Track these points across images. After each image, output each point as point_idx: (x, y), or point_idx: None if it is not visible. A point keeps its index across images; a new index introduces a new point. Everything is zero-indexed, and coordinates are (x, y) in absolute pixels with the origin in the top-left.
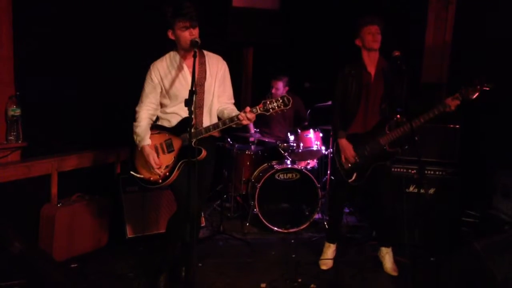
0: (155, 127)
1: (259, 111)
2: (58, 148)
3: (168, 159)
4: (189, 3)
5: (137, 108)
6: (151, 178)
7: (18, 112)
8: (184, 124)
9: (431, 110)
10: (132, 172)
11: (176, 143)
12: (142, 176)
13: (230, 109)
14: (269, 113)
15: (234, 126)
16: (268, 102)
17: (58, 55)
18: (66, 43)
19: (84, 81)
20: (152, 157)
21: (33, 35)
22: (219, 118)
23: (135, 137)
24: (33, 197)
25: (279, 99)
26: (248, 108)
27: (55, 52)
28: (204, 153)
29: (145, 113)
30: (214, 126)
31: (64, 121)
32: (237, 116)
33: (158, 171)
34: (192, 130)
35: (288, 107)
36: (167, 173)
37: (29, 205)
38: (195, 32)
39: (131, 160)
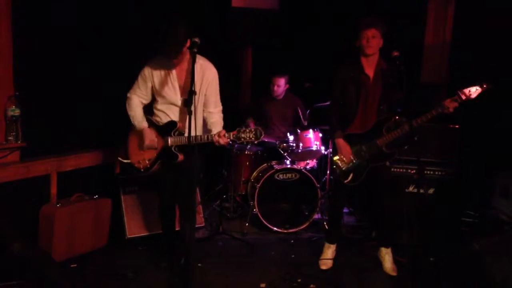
0: (148, 121)
1: (231, 137)
2: (57, 148)
3: (150, 153)
4: (173, 40)
5: (128, 94)
6: (135, 165)
7: (17, 112)
8: (169, 127)
9: (429, 112)
10: (119, 158)
11: (160, 143)
12: (128, 161)
13: (213, 121)
14: (239, 142)
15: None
16: (241, 131)
17: (57, 54)
18: (65, 43)
19: (84, 81)
20: (150, 138)
21: (32, 35)
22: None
23: (132, 121)
24: (32, 198)
25: (252, 130)
26: (222, 132)
27: (55, 51)
28: (180, 157)
29: (137, 100)
30: (193, 139)
31: (63, 121)
32: (211, 136)
33: (151, 146)
34: (177, 134)
35: (258, 141)
36: (148, 166)
37: (28, 205)
38: (176, 60)
39: (124, 144)
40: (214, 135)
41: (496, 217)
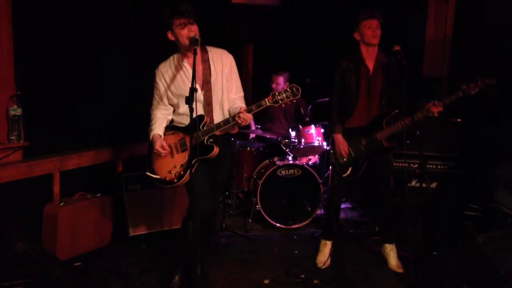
0: (170, 128)
1: (268, 103)
2: (59, 147)
3: (182, 158)
4: (186, 2)
5: (150, 111)
6: (167, 178)
7: (19, 111)
8: (197, 122)
9: (421, 111)
10: (148, 173)
11: (189, 142)
12: (158, 176)
13: (235, 107)
14: (278, 105)
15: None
16: (277, 94)
17: (59, 53)
18: (67, 41)
19: (85, 80)
20: (159, 144)
21: (34, 34)
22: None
23: (149, 132)
24: (35, 197)
25: (288, 89)
26: (243, 108)
27: (56, 50)
28: (216, 150)
29: (156, 112)
30: (225, 122)
31: (65, 120)
32: (232, 118)
33: (162, 151)
34: (205, 128)
35: (297, 97)
36: (182, 172)
37: (31, 204)
38: (194, 28)
39: (148, 161)
40: (236, 114)
41: (499, 210)
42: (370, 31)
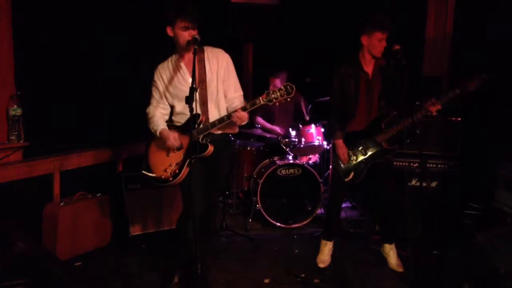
0: (167, 126)
1: (262, 102)
2: (59, 147)
3: (177, 156)
4: (192, 4)
5: (147, 110)
6: (163, 176)
7: (19, 111)
8: (192, 121)
9: (420, 111)
10: (144, 172)
11: (185, 141)
12: (154, 175)
13: (234, 106)
14: (272, 103)
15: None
16: (271, 92)
17: (59, 53)
18: (67, 41)
19: (85, 80)
20: (172, 136)
21: (34, 34)
22: None
23: (151, 129)
24: (35, 197)
25: (282, 88)
26: (239, 107)
27: (56, 50)
28: (210, 148)
29: (154, 110)
30: (220, 120)
31: (65, 120)
32: (227, 116)
33: (176, 143)
34: (201, 126)
35: (291, 95)
36: (177, 171)
37: (31, 204)
38: (194, 33)
39: (145, 159)
40: (232, 113)
41: (499, 209)
42: (380, 46)
